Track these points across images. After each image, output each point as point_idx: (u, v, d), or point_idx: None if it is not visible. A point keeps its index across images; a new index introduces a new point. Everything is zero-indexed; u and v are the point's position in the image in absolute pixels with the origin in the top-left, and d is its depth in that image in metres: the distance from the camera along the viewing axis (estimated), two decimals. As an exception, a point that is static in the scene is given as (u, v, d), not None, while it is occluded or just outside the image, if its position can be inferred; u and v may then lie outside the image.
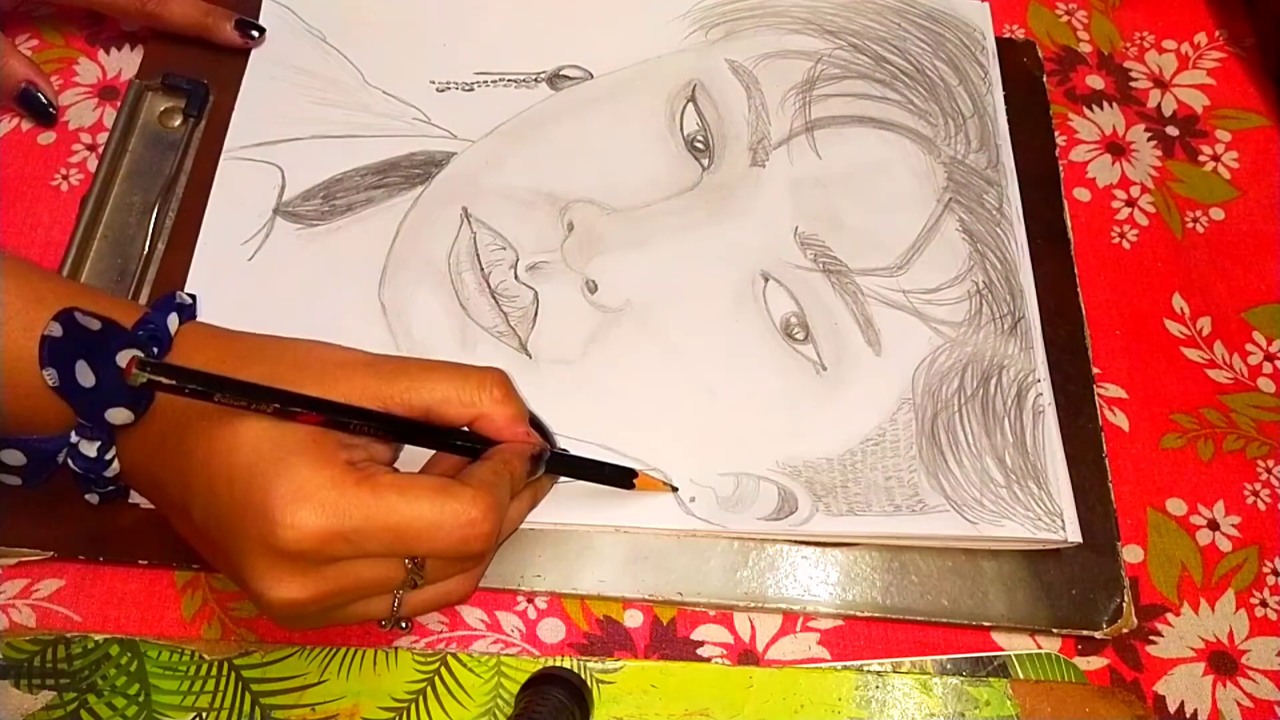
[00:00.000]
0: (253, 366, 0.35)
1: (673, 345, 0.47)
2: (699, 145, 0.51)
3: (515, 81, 0.53)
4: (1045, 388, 0.47)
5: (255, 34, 0.52)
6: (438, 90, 0.53)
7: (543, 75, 0.54)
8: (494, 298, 0.47)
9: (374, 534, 0.33)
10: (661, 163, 0.51)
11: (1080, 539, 0.43)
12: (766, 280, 0.48)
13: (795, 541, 0.44)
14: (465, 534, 0.34)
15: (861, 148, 0.52)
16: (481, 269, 0.47)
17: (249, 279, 0.47)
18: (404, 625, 0.38)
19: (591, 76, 0.54)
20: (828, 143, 0.52)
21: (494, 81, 0.53)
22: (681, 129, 0.52)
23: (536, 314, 0.46)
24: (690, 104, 0.52)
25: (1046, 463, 0.45)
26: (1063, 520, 0.44)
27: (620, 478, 0.42)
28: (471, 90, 0.53)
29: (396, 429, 0.36)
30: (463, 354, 0.46)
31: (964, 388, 0.46)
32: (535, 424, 0.40)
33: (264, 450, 0.33)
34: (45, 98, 0.50)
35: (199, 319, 0.39)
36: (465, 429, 0.38)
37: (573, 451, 0.43)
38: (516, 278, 0.47)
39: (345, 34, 0.54)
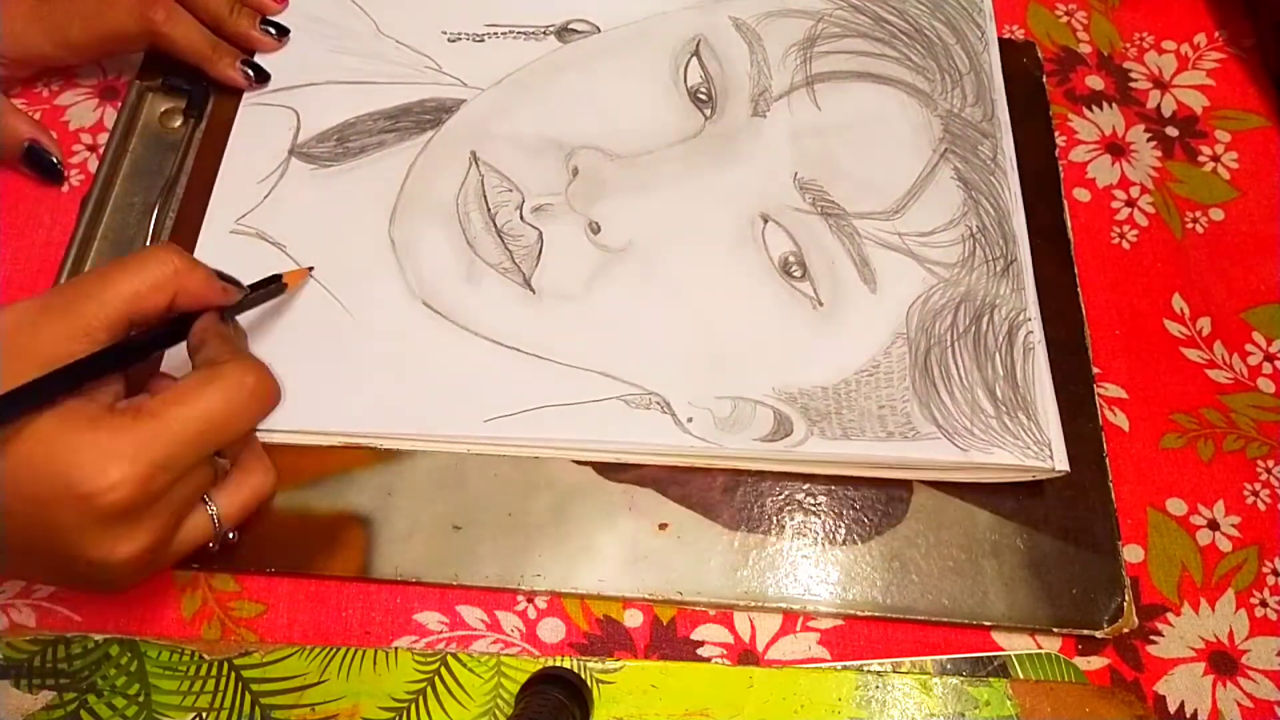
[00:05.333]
0: None
1: (674, 282, 0.48)
2: (701, 96, 0.52)
3: (525, 34, 0.55)
4: (1036, 325, 0.47)
5: (256, 77, 0.52)
6: (449, 40, 0.54)
7: (551, 28, 0.55)
8: (499, 236, 0.48)
9: (184, 450, 0.34)
10: (665, 113, 0.52)
11: (1068, 468, 0.44)
12: (766, 221, 0.49)
13: (799, 535, 0.44)
14: (259, 396, 0.36)
15: (860, 101, 0.53)
16: (488, 209, 0.48)
17: (264, 216, 0.49)
18: (232, 536, 0.39)
19: (599, 30, 0.55)
20: (827, 96, 0.53)
21: (504, 33, 0.55)
22: (685, 81, 0.53)
23: (541, 252, 0.48)
24: (694, 58, 0.54)
25: (1036, 396, 0.46)
26: (1050, 450, 0.44)
27: (275, 288, 0.44)
28: (482, 41, 0.54)
29: (103, 364, 0.36)
30: (468, 286, 0.47)
31: (956, 324, 0.47)
32: (221, 277, 0.41)
33: (34, 454, 0.33)
34: (51, 154, 0.50)
35: None
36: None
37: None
38: (522, 218, 0.48)
39: None
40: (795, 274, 0.48)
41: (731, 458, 0.44)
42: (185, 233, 0.49)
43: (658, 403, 0.45)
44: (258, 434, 0.42)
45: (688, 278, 0.48)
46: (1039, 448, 0.44)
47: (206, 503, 0.38)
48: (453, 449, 0.44)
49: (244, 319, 0.44)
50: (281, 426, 0.44)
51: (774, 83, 0.53)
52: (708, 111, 0.52)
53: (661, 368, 0.46)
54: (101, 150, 0.51)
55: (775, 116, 0.52)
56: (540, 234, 0.48)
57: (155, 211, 0.49)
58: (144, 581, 0.38)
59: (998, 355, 0.47)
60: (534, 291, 0.47)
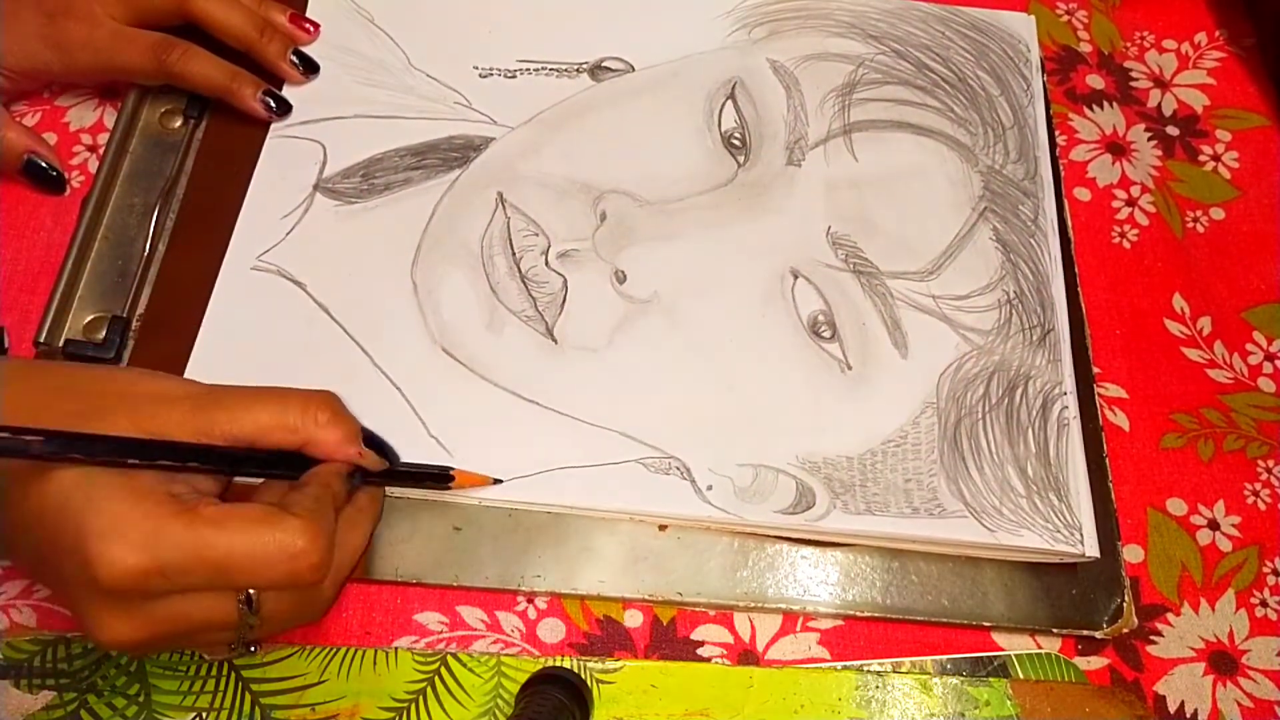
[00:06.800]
0: (62, 403, 0.35)
1: (699, 338, 0.47)
2: (735, 142, 0.52)
3: (557, 70, 0.54)
4: (1071, 401, 0.46)
5: (278, 108, 0.50)
6: (480, 76, 0.53)
7: (584, 66, 0.54)
8: (524, 282, 0.47)
9: (192, 568, 0.33)
10: (697, 157, 0.51)
11: (1098, 554, 0.43)
12: (796, 278, 0.48)
13: (799, 540, 0.44)
14: (293, 566, 0.33)
15: (899, 153, 0.52)
16: (513, 253, 0.47)
17: (286, 253, 0.48)
18: (253, 649, 0.37)
19: (633, 69, 0.54)
20: (865, 146, 0.52)
21: (536, 70, 0.54)
22: (719, 125, 0.52)
23: (565, 300, 0.47)
24: (729, 101, 0.53)
25: (1068, 475, 0.45)
26: (1081, 534, 0.43)
27: (438, 479, 0.42)
28: (514, 77, 0.53)
29: (199, 458, 0.35)
30: (489, 335, 0.46)
31: (989, 395, 0.46)
32: (372, 440, 0.39)
33: (71, 488, 0.33)
34: (49, 165, 0.49)
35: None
36: (294, 453, 0.37)
37: (401, 461, 0.42)
38: (547, 264, 0.47)
39: (393, 16, 0.55)
40: (824, 334, 0.47)
41: (751, 528, 0.44)
42: (185, 235, 0.49)
43: (677, 467, 0.44)
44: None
45: (712, 334, 0.47)
46: (1070, 531, 0.43)
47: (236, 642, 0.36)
48: (465, 503, 0.43)
49: (257, 356, 0.44)
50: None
51: (810, 130, 0.52)
52: (741, 158, 0.51)
53: (682, 430, 0.45)
54: (102, 151, 0.51)
55: (810, 166, 0.51)
56: (565, 281, 0.47)
57: (155, 212, 0.49)
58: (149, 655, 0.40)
59: (1030, 431, 0.45)
60: (556, 341, 0.46)
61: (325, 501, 0.36)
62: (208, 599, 0.34)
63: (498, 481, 0.43)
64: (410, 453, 0.43)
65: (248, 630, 0.35)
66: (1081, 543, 0.43)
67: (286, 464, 0.37)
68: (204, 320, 0.46)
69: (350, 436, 0.38)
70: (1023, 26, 0.57)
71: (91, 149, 0.52)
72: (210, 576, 0.33)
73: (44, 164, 0.49)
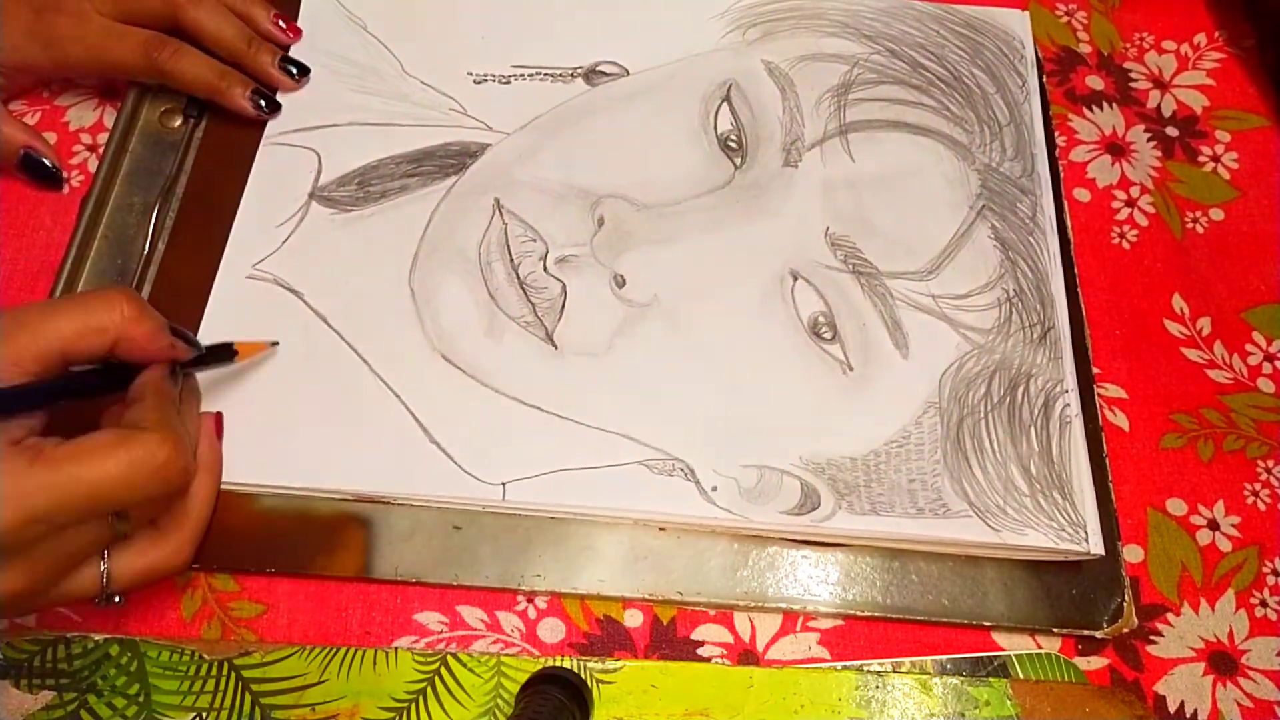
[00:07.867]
0: None
1: (699, 341, 0.47)
2: (732, 144, 0.51)
3: (552, 76, 0.54)
4: (1073, 398, 0.46)
5: (267, 107, 0.51)
6: (475, 82, 0.53)
7: (579, 70, 0.54)
8: (522, 288, 0.47)
9: (68, 506, 0.33)
10: (694, 161, 0.51)
11: (1103, 551, 0.43)
12: (795, 279, 0.48)
13: (799, 540, 0.44)
14: (163, 474, 0.35)
15: (895, 152, 0.52)
16: (511, 260, 0.47)
17: (281, 262, 0.48)
18: (118, 600, 0.38)
19: (627, 73, 0.54)
20: (861, 146, 0.52)
21: (531, 75, 0.54)
22: (715, 128, 0.52)
23: (564, 306, 0.47)
24: (725, 103, 0.53)
25: (1072, 473, 0.45)
26: (1086, 532, 0.43)
27: (224, 355, 0.43)
28: (508, 83, 0.53)
29: (20, 402, 0.35)
30: (489, 341, 0.46)
31: (991, 394, 0.46)
32: (175, 331, 0.39)
33: None
34: (46, 160, 0.49)
35: None
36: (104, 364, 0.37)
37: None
38: (545, 270, 0.47)
39: (386, 23, 0.55)
40: (825, 335, 0.47)
41: (756, 529, 0.44)
42: (186, 234, 0.49)
43: (681, 469, 0.44)
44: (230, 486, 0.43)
45: (713, 337, 0.47)
46: (1074, 530, 0.43)
47: (102, 559, 0.37)
48: (469, 508, 0.43)
49: (257, 365, 0.45)
50: (284, 482, 0.43)
51: (806, 131, 0.52)
52: (738, 160, 0.51)
53: (685, 432, 0.45)
54: (101, 150, 0.51)
55: (807, 167, 0.51)
56: (564, 286, 0.47)
57: (155, 211, 0.49)
58: (21, 614, 0.40)
59: (1033, 429, 0.45)
60: (556, 347, 0.46)
61: (167, 407, 0.37)
62: (84, 530, 0.35)
63: (274, 344, 0.45)
64: (412, 457, 0.43)
65: (121, 539, 0.37)
66: (1086, 541, 0.43)
67: (106, 384, 0.37)
68: (199, 330, 0.46)
69: (159, 327, 0.38)
70: (1017, 23, 0.57)
71: (91, 148, 0.52)
72: (85, 508, 0.34)
73: (41, 159, 0.49)
